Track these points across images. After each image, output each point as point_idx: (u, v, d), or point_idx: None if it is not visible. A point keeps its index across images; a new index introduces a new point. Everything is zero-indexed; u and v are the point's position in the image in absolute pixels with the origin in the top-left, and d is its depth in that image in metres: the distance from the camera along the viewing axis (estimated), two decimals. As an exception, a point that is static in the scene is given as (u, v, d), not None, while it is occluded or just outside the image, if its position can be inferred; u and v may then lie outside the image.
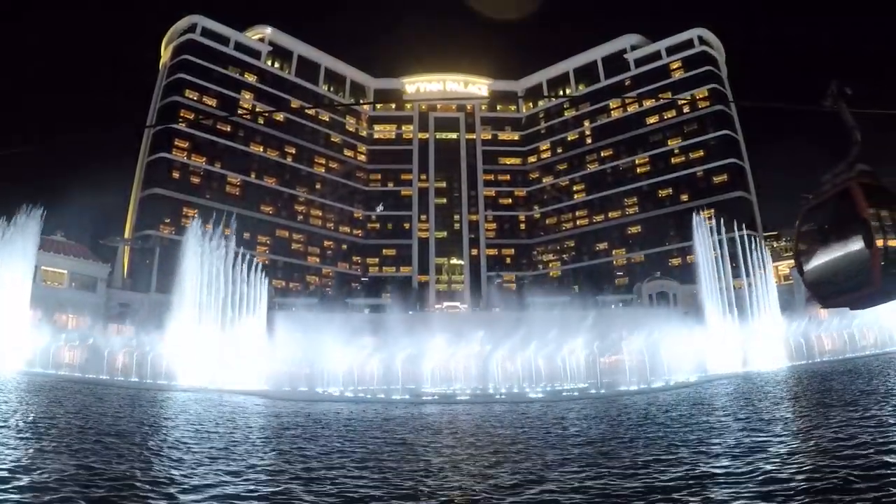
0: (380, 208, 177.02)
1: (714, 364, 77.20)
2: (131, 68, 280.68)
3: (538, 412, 39.87)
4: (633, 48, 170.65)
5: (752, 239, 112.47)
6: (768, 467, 15.71)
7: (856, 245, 10.86)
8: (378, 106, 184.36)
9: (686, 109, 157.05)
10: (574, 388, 67.19)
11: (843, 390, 35.91)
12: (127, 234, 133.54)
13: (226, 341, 77.06)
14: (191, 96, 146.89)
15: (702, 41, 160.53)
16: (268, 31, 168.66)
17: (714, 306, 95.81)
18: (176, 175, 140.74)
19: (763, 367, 75.12)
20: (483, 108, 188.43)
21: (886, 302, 11.76)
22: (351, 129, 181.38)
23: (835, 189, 11.48)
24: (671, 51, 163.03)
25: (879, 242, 10.63)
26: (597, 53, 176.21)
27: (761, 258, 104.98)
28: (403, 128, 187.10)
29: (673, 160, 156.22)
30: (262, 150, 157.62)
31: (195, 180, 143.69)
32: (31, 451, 18.72)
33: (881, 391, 32.94)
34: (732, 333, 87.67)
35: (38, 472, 15.48)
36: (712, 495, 13.47)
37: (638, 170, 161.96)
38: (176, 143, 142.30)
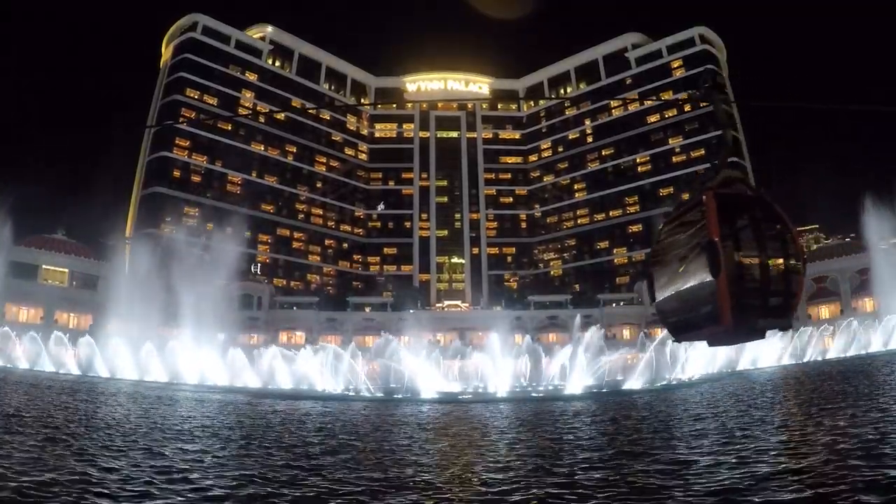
0: (381, 207, 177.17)
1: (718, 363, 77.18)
2: (132, 67, 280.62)
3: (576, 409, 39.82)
4: (635, 47, 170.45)
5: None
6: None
7: (702, 272, 9.47)
8: (379, 105, 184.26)
9: (687, 108, 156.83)
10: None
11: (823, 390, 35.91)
12: (128, 233, 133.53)
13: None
14: (192, 95, 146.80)
15: (703, 40, 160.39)
16: (269, 29, 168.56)
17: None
18: (177, 174, 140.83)
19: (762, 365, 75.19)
20: (484, 106, 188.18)
21: (752, 341, 10.72)
22: (352, 128, 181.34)
23: (692, 201, 10.17)
24: (672, 49, 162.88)
25: (727, 273, 9.14)
26: (598, 52, 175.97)
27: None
28: (404, 126, 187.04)
29: (674, 159, 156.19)
30: (262, 148, 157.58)
31: (196, 179, 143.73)
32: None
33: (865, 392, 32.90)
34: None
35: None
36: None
37: (639, 168, 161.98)
38: (177, 141, 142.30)
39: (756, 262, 9.42)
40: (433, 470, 18.21)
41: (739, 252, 9.39)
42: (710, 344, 10.37)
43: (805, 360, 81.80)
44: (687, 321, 10.10)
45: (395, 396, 63.47)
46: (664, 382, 66.60)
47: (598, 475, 15.95)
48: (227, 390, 61.08)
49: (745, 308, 9.24)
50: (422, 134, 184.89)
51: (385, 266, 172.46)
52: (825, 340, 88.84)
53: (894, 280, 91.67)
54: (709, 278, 9.28)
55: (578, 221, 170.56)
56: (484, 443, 25.70)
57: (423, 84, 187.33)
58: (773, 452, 17.72)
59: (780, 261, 9.57)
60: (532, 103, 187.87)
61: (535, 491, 14.53)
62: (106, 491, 13.41)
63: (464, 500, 14.16)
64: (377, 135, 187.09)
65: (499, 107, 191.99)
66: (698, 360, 75.67)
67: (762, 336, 9.90)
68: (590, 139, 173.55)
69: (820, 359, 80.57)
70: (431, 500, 13.95)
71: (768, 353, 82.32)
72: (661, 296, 10.46)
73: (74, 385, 50.47)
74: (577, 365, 72.23)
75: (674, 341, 11.07)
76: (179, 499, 13.20)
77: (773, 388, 43.41)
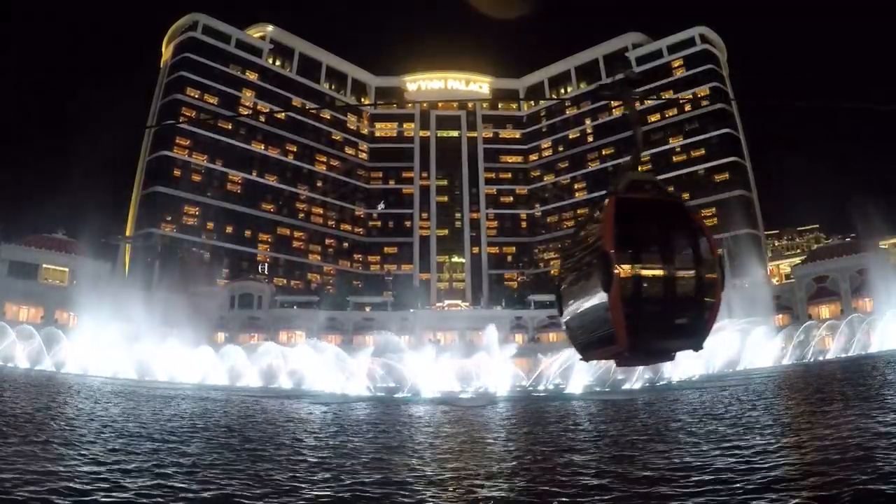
0: (381, 206, 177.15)
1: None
2: (132, 66, 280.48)
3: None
4: (635, 46, 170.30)
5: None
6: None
7: (598, 288, 8.51)
8: (379, 104, 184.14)
9: (687, 108, 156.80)
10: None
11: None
12: (128, 233, 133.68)
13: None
14: (192, 94, 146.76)
15: (703, 39, 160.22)
16: (269, 28, 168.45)
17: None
18: (177, 173, 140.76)
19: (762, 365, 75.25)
20: (484, 106, 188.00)
21: (661, 362, 9.77)
22: (352, 127, 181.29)
23: (599, 209, 9.23)
24: (673, 49, 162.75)
25: (621, 289, 8.26)
26: (598, 52, 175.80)
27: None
28: (405, 126, 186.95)
29: (674, 158, 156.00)
30: (263, 148, 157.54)
31: (196, 178, 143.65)
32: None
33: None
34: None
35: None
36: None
37: (639, 168, 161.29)
38: (177, 140, 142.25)
39: (658, 277, 8.58)
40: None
41: (638, 265, 8.50)
42: (618, 364, 9.45)
43: (805, 360, 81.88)
44: (589, 340, 9.29)
45: (395, 396, 63.49)
46: (664, 382, 66.63)
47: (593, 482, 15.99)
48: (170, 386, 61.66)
49: (644, 329, 8.44)
50: (422, 133, 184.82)
51: (385, 265, 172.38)
52: (825, 340, 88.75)
53: (891, 280, 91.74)
54: (603, 295, 8.41)
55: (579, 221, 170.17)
56: (482, 447, 25.74)
57: (424, 83, 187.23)
58: (773, 455, 17.77)
59: (691, 274, 8.66)
60: (532, 103, 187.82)
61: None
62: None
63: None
64: (377, 134, 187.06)
65: (499, 106, 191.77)
66: (698, 359, 75.63)
67: (669, 358, 9.30)
68: (590, 139, 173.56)
69: (814, 360, 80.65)
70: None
71: (769, 352, 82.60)
72: (566, 312, 9.66)
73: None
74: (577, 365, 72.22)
75: (580, 359, 9.78)
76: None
77: (769, 389, 43.48)
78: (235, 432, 28.10)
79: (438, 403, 52.69)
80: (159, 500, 14.23)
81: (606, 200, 9.00)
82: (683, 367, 73.37)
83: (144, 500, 14.07)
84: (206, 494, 14.87)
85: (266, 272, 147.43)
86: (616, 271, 8.23)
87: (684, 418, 31.11)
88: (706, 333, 8.78)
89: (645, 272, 8.51)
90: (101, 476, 16.03)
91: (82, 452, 19.59)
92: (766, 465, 16.08)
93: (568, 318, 9.65)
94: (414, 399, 58.71)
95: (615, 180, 9.51)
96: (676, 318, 8.69)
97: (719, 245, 9.20)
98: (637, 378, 69.70)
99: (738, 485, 14.27)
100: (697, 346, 8.78)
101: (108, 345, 75.61)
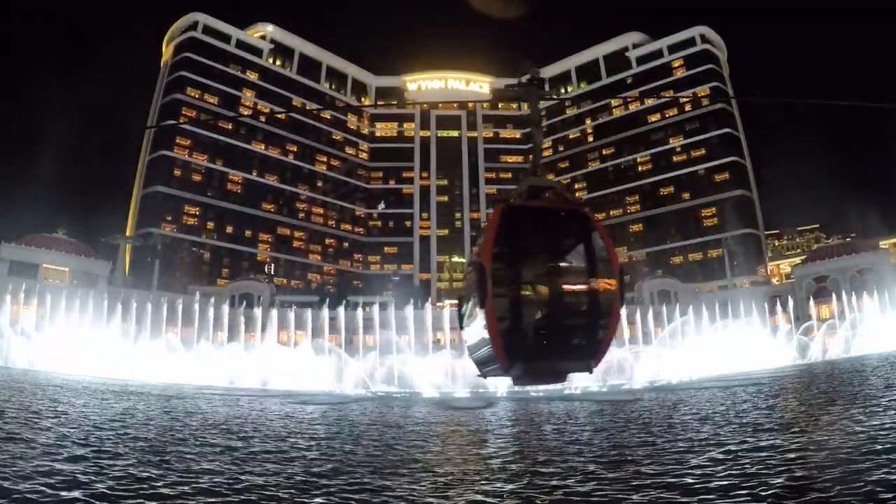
0: (381, 206, 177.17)
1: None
2: (133, 66, 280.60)
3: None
4: (635, 46, 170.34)
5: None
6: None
7: (477, 302, 7.95)
8: (380, 104, 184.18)
9: (688, 108, 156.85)
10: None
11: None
12: (128, 232, 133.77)
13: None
14: (192, 94, 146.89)
15: (704, 39, 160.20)
16: (269, 28, 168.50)
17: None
18: (177, 173, 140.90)
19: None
20: (484, 105, 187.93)
21: (555, 382, 8.77)
22: (352, 127, 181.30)
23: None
24: (673, 49, 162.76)
25: (497, 305, 7.71)
26: (598, 51, 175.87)
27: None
28: (405, 125, 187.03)
29: (674, 158, 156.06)
30: (263, 147, 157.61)
31: (196, 178, 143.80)
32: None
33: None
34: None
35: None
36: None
37: (639, 168, 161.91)
38: (177, 140, 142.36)
39: (543, 292, 7.98)
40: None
41: (519, 279, 7.95)
42: (515, 383, 8.77)
43: (805, 361, 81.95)
44: (480, 358, 8.61)
45: (394, 395, 63.51)
46: (663, 382, 66.59)
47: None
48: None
49: (524, 348, 7.86)
50: (422, 133, 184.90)
51: (385, 265, 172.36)
52: (825, 341, 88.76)
53: (891, 280, 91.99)
54: (480, 310, 7.81)
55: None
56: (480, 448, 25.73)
57: (424, 83, 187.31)
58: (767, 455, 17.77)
59: (583, 289, 8.05)
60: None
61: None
62: None
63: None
64: (378, 134, 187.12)
65: (499, 106, 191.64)
66: (697, 359, 75.72)
67: (560, 379, 8.62)
68: (590, 138, 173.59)
69: (810, 361, 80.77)
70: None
71: (769, 353, 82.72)
72: (464, 327, 8.96)
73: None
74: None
75: (478, 376, 9.00)
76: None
77: (762, 390, 43.49)
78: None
79: (436, 404, 52.71)
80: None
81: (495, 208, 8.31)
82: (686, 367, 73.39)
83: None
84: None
85: (272, 272, 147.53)
86: (490, 286, 7.67)
87: (671, 421, 31.09)
88: (600, 354, 8.16)
89: (526, 287, 7.97)
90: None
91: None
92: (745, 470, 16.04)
93: (465, 333, 8.97)
94: (412, 399, 58.70)
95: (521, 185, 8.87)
96: (563, 337, 8.12)
97: (630, 264, 8.34)
98: (635, 378, 69.76)
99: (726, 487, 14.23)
100: (589, 368, 8.13)
101: (67, 342, 76.23)
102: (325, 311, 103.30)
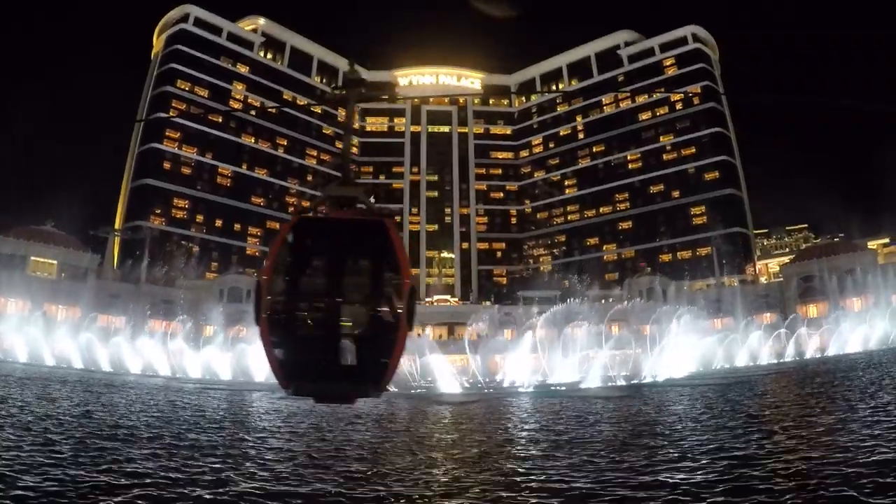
0: (371, 201, 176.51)
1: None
2: (123, 57, 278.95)
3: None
4: (627, 44, 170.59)
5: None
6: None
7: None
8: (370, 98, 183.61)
9: (679, 106, 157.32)
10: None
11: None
12: (117, 225, 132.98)
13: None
14: (182, 86, 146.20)
15: (696, 38, 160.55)
16: (261, 21, 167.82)
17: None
18: (167, 166, 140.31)
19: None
20: (475, 101, 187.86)
21: (346, 403, 8.44)
22: (343, 121, 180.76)
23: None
24: (665, 47, 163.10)
25: (270, 323, 7.46)
26: (590, 49, 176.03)
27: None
28: (395, 120, 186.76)
29: (665, 157, 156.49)
30: (253, 141, 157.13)
31: (186, 171, 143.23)
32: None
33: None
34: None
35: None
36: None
37: (629, 166, 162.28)
38: (167, 133, 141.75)
39: (321, 311, 7.62)
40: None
41: (298, 296, 7.60)
42: (317, 401, 8.26)
43: (786, 359, 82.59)
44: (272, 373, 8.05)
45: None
46: (651, 380, 66.72)
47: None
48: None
49: (299, 369, 7.56)
50: (413, 128, 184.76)
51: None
52: (811, 340, 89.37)
53: (878, 280, 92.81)
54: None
55: (569, 218, 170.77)
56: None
57: (415, 78, 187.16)
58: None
59: (365, 309, 7.70)
60: (524, 99, 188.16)
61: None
62: None
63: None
64: (368, 128, 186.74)
65: (490, 102, 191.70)
66: (695, 358, 76.01)
67: (346, 401, 8.35)
68: (581, 136, 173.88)
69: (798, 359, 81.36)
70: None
71: (752, 351, 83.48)
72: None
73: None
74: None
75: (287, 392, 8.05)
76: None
77: (748, 389, 43.78)
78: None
79: (421, 399, 52.74)
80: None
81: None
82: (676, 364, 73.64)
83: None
84: None
85: (254, 265, 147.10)
86: (265, 303, 7.39)
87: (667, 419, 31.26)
88: (383, 377, 7.74)
89: (304, 305, 7.61)
90: None
91: None
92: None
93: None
94: (430, 395, 58.60)
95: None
96: (341, 359, 7.67)
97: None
98: (622, 374, 69.90)
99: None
100: (373, 393, 7.77)
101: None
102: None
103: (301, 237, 7.86)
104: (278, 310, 7.49)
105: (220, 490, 14.87)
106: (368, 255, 7.93)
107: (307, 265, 7.85)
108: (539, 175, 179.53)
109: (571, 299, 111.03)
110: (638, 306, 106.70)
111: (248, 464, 18.60)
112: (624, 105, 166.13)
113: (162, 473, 16.25)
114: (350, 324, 7.59)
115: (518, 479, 16.56)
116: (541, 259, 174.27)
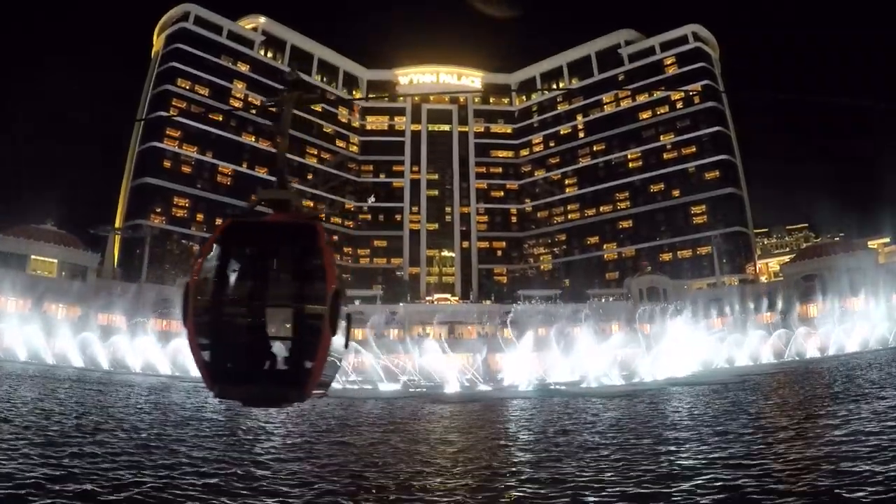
0: (371, 199, 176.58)
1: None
2: (123, 56, 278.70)
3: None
4: (628, 43, 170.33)
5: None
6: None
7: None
8: (371, 96, 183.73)
9: (679, 105, 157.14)
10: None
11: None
12: (117, 224, 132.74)
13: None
14: (183, 85, 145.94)
15: (696, 37, 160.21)
16: (261, 20, 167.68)
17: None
18: (167, 164, 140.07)
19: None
20: (476, 100, 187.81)
21: (278, 406, 8.65)
22: (343, 120, 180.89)
23: None
24: (665, 46, 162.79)
25: (196, 325, 7.60)
26: (591, 48, 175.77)
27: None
28: (396, 119, 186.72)
29: (665, 156, 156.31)
30: (253, 139, 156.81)
31: (186, 170, 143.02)
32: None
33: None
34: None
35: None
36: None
37: (630, 165, 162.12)
38: (167, 132, 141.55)
39: (245, 314, 7.80)
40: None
41: (223, 299, 7.74)
42: (243, 404, 8.29)
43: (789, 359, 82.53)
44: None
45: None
46: (651, 379, 66.70)
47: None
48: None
49: (223, 371, 7.68)
50: (413, 127, 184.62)
51: (375, 259, 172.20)
52: (811, 339, 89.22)
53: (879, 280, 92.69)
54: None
55: (569, 216, 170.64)
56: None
57: (416, 77, 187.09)
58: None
59: (286, 313, 7.84)
60: (524, 98, 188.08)
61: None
62: None
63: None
64: (368, 127, 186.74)
65: (491, 101, 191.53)
66: (695, 357, 76.00)
67: (274, 404, 8.49)
68: (581, 135, 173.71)
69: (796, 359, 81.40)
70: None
71: (750, 351, 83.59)
72: None
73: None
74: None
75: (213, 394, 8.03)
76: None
77: (743, 390, 43.75)
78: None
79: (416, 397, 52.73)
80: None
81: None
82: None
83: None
84: None
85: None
86: (192, 305, 7.53)
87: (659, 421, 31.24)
88: (308, 381, 7.69)
89: (228, 308, 7.75)
90: None
91: None
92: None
93: None
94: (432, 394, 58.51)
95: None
96: (265, 361, 7.76)
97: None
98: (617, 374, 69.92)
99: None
100: (298, 397, 7.78)
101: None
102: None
103: (231, 240, 7.94)
104: (205, 312, 7.62)
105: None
106: (296, 258, 8.05)
107: (236, 268, 7.93)
108: (539, 174, 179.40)
109: (572, 298, 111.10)
110: (638, 305, 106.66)
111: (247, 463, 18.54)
112: (624, 104, 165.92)
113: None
114: (275, 327, 7.78)
115: (518, 479, 16.52)
116: (541, 258, 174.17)
